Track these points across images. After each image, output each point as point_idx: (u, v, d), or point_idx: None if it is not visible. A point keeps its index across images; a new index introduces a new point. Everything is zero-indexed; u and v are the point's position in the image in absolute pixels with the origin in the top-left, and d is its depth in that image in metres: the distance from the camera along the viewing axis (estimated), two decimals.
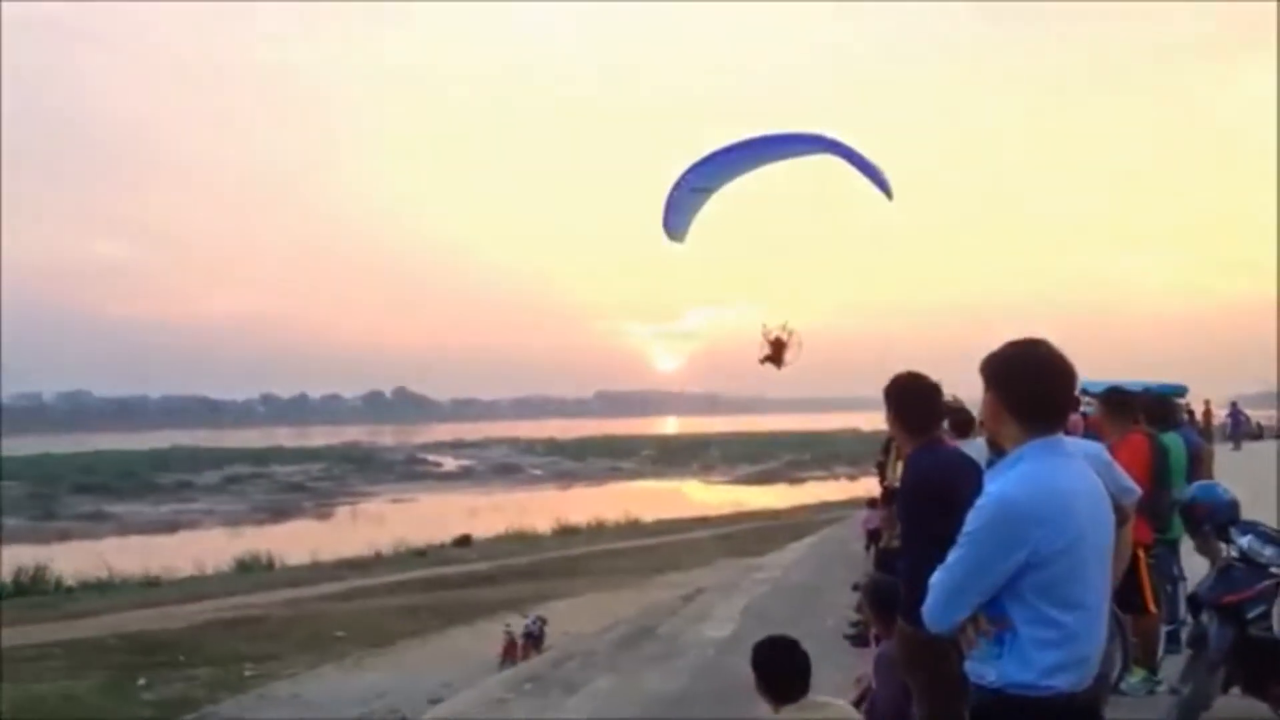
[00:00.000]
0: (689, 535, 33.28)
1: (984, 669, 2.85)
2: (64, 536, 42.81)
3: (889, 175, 7.04)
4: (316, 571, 27.85)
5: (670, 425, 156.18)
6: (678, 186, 7.43)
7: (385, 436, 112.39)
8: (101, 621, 20.06)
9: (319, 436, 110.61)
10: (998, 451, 3.42)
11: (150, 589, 26.02)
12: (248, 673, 15.35)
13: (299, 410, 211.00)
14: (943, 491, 4.02)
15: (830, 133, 7.13)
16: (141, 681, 14.85)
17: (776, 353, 7.91)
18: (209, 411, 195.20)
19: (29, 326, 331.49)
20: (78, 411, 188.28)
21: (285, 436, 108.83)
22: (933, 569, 2.96)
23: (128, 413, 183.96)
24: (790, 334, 7.88)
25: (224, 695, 14.14)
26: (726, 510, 44.10)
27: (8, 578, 26.48)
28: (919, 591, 3.07)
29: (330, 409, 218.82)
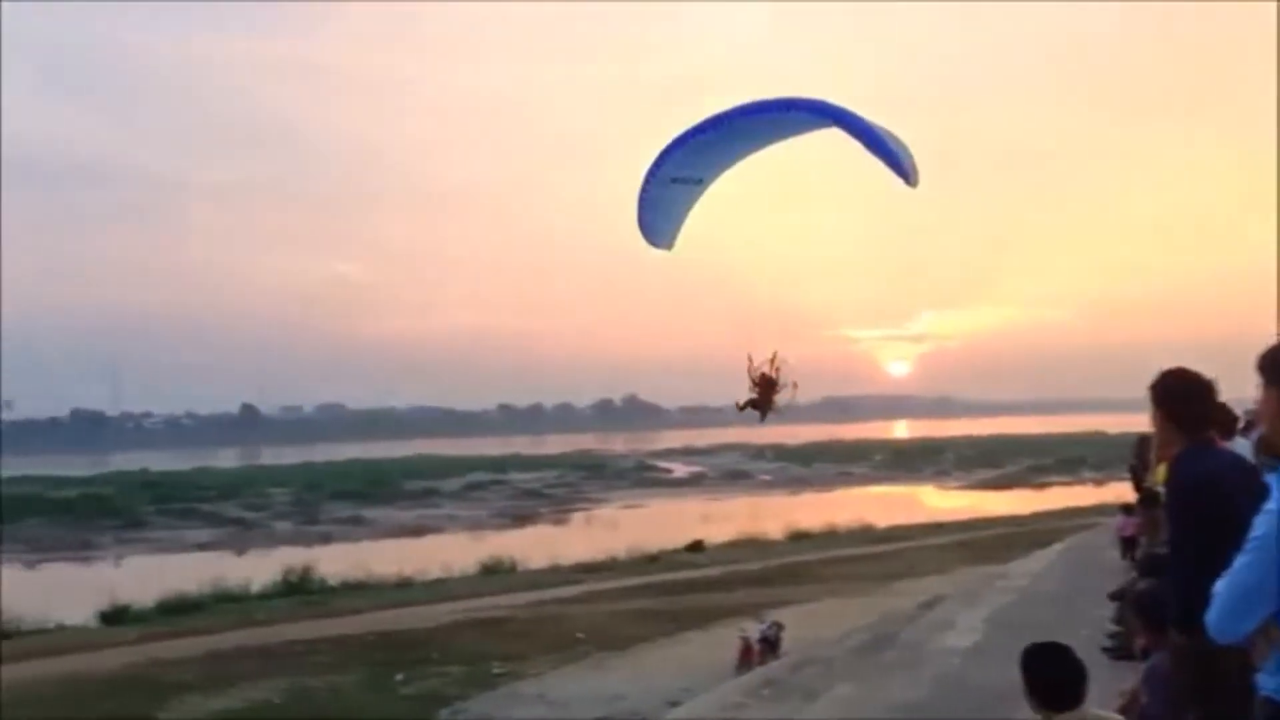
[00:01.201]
0: (924, 541, 32.54)
1: (1276, 681, 2.67)
2: (325, 539, 46.01)
3: (913, 155, 5.30)
4: (555, 575, 28.80)
5: (901, 430, 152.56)
6: (650, 178, 5.78)
7: (617, 444, 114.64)
8: (361, 619, 21.42)
9: (553, 445, 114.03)
10: (1275, 454, 3.20)
11: (402, 589, 27.58)
12: (496, 671, 16.02)
13: (534, 419, 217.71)
14: (1218, 495, 3.78)
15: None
16: (399, 677, 15.75)
17: (765, 394, 6.06)
18: (450, 421, 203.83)
19: (292, 346, 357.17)
20: (334, 423, 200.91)
21: (522, 445, 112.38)
22: (1208, 577, 2.81)
23: (378, 423, 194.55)
24: (779, 369, 6.04)
25: (474, 692, 14.83)
26: (963, 516, 42.79)
27: (279, 577, 28.69)
28: (1192, 600, 2.92)
29: (563, 417, 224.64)
